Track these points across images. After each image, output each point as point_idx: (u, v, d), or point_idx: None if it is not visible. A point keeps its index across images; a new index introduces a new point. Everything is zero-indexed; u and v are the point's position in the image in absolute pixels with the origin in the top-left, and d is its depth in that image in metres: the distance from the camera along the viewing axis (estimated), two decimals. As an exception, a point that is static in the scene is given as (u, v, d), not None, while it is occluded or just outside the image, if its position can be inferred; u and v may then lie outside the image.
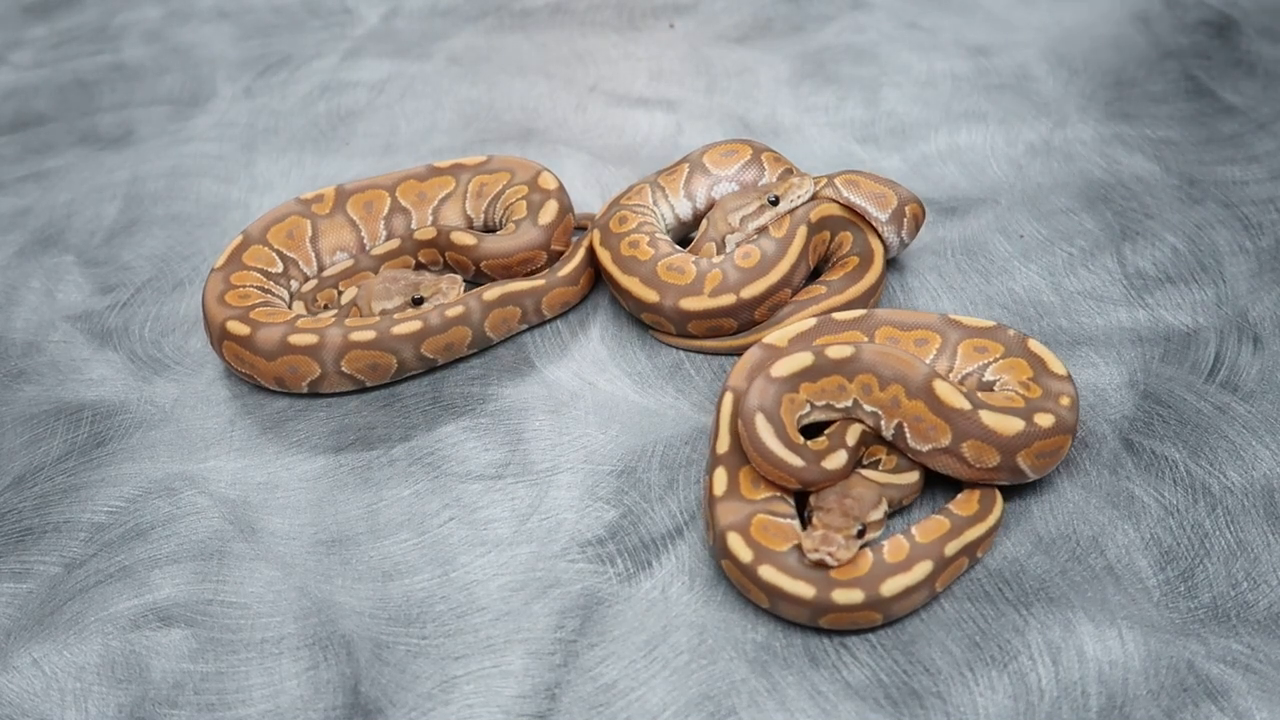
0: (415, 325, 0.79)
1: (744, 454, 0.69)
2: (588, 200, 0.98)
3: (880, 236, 0.84)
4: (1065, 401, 0.69)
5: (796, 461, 0.66)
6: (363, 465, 0.76)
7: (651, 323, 0.83)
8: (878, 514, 0.66)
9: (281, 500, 0.74)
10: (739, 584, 0.65)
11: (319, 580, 0.69)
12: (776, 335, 0.75)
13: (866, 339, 0.75)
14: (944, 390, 0.68)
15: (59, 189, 1.05)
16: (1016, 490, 0.71)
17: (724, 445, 0.70)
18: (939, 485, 0.72)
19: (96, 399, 0.82)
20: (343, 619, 0.66)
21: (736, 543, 0.65)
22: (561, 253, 0.88)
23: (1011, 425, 0.66)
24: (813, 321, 0.76)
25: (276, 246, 0.88)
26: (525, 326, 0.85)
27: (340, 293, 0.87)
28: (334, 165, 1.05)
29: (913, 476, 0.69)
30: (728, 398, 0.71)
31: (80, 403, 0.82)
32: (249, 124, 1.13)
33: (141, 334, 0.88)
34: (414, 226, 0.91)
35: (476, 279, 0.88)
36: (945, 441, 0.67)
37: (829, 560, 0.62)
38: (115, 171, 1.07)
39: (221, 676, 0.64)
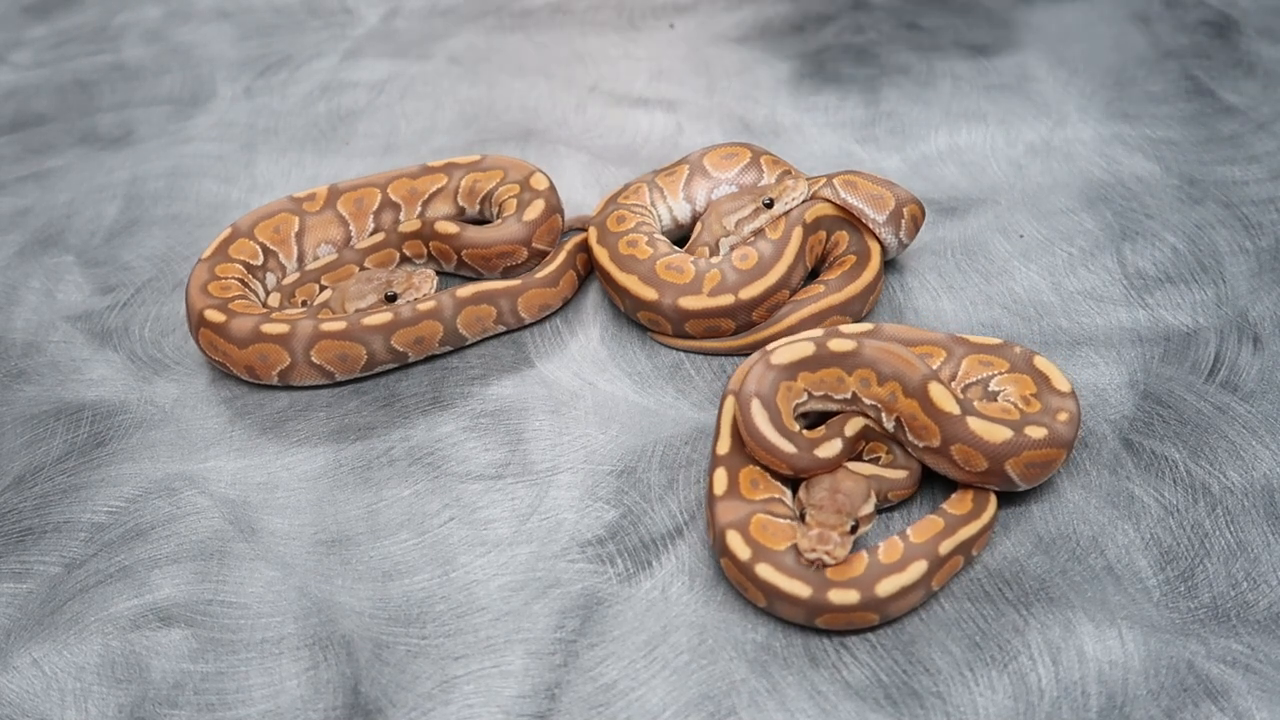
0: (386, 317, 0.80)
1: (745, 456, 0.69)
2: (588, 201, 0.98)
3: (878, 237, 0.84)
4: (1063, 417, 0.69)
5: (789, 448, 0.67)
6: (363, 465, 0.76)
7: (648, 322, 0.83)
8: (868, 508, 0.66)
9: (281, 500, 0.74)
10: (737, 582, 0.65)
11: (319, 580, 0.69)
12: (782, 352, 0.74)
13: None
14: (938, 393, 0.68)
15: (59, 189, 1.05)
16: (1017, 490, 0.71)
17: (725, 447, 0.70)
18: (938, 485, 0.72)
19: (96, 399, 0.82)
20: (343, 619, 0.66)
21: (735, 540, 0.65)
22: (545, 253, 0.88)
23: (998, 434, 0.67)
24: (819, 333, 0.75)
25: (262, 240, 0.88)
26: (503, 329, 0.84)
27: (322, 288, 0.88)
28: (334, 165, 1.05)
29: (902, 473, 0.70)
30: (729, 401, 0.72)
31: (80, 403, 0.82)
32: (249, 124, 1.13)
33: (141, 334, 0.88)
34: (401, 220, 0.92)
35: (459, 270, 0.89)
36: (935, 443, 0.68)
37: (826, 559, 0.62)
38: (115, 171, 1.07)
39: (221, 676, 0.64)
